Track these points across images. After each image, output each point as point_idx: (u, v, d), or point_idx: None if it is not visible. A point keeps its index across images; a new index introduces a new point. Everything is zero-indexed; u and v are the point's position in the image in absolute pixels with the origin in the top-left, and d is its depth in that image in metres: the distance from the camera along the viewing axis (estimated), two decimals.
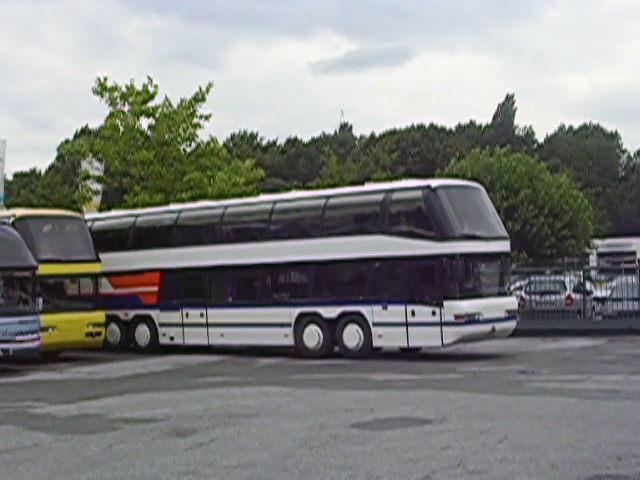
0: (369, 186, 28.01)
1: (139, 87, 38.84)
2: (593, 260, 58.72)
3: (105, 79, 38.76)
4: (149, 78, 38.94)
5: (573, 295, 33.09)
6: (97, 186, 42.12)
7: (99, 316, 27.07)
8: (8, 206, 40.92)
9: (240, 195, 34.42)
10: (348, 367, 22.50)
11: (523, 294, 33.70)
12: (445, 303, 22.76)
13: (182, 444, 12.25)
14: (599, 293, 33.80)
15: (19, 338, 23.20)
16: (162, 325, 28.18)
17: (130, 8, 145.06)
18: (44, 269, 24.84)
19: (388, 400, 16.13)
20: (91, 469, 10.88)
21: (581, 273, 35.26)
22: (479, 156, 51.98)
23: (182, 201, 34.18)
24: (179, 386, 19.36)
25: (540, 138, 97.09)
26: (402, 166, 74.68)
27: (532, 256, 47.35)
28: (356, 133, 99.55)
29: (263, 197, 29.46)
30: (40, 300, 24.84)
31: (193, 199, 34.38)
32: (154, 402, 16.82)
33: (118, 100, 38.77)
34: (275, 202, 27.27)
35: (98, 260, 27.40)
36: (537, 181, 49.06)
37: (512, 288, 37.98)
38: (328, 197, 26.35)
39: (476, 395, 16.29)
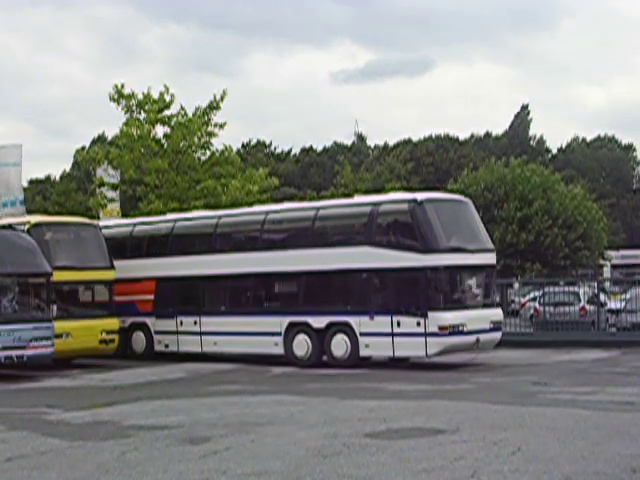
0: (358, 198, 28.57)
1: (156, 95, 38.99)
2: (607, 272, 58.58)
3: (122, 86, 38.95)
4: (165, 87, 39.15)
5: (587, 306, 33.01)
6: (112, 194, 42.28)
7: (113, 323, 27.12)
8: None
9: (253, 203, 34.53)
10: (361, 377, 22.52)
11: (537, 305, 33.64)
12: (429, 314, 23.05)
13: (196, 452, 12.28)
14: (613, 305, 33.69)
15: (33, 344, 23.26)
16: (157, 333, 28.60)
17: (150, 17, 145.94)
18: (58, 276, 24.91)
19: (401, 410, 16.13)
20: (105, 476, 10.92)
21: (595, 284, 35.15)
22: (493, 167, 51.95)
23: (196, 209, 34.31)
24: (193, 394, 19.39)
25: (555, 149, 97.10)
26: (417, 176, 74.76)
27: (546, 267, 47.28)
28: (371, 143, 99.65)
29: (255, 208, 29.92)
30: (54, 307, 24.97)
31: (207, 207, 34.54)
32: (168, 409, 16.86)
33: (134, 108, 38.91)
34: (267, 213, 27.69)
35: (112, 267, 27.47)
36: (551, 192, 48.98)
37: (526, 299, 38.08)
38: (318, 209, 26.73)
39: (489, 406, 16.27)
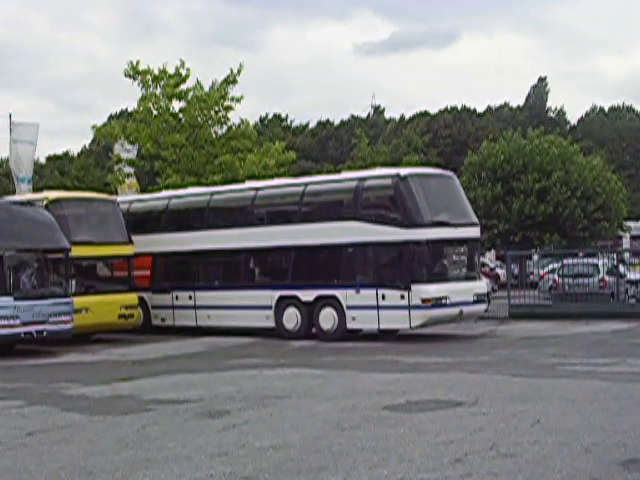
0: (344, 174, 29.31)
1: (172, 70, 38.96)
2: (626, 242, 58.37)
3: (137, 62, 38.93)
4: (181, 61, 39.13)
5: (606, 278, 32.91)
6: (129, 169, 42.35)
7: (132, 298, 27.20)
8: (41, 189, 41.14)
9: (271, 177, 34.57)
10: (380, 349, 22.58)
11: (556, 277, 33.57)
12: (413, 287, 23.55)
13: (215, 425, 12.32)
14: (632, 276, 33.58)
15: (53, 320, 23.34)
16: (154, 307, 29.25)
17: None
18: (77, 251, 24.96)
19: (420, 382, 16.14)
20: (125, 450, 10.96)
21: (614, 256, 35.03)
22: (512, 138, 51.72)
23: (214, 184, 34.40)
24: (212, 368, 19.46)
25: (574, 120, 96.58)
26: (434, 148, 74.49)
27: (565, 238, 47.13)
28: (389, 115, 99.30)
29: (246, 184, 30.20)
30: (73, 282, 25.08)
31: (224, 182, 34.64)
32: (187, 383, 16.91)
33: (150, 83, 38.88)
34: (257, 189, 28.13)
35: (131, 242, 27.55)
36: (570, 163, 48.76)
37: (545, 270, 38.02)
38: (306, 184, 27.24)
39: (508, 378, 16.26)
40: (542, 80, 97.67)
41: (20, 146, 41.10)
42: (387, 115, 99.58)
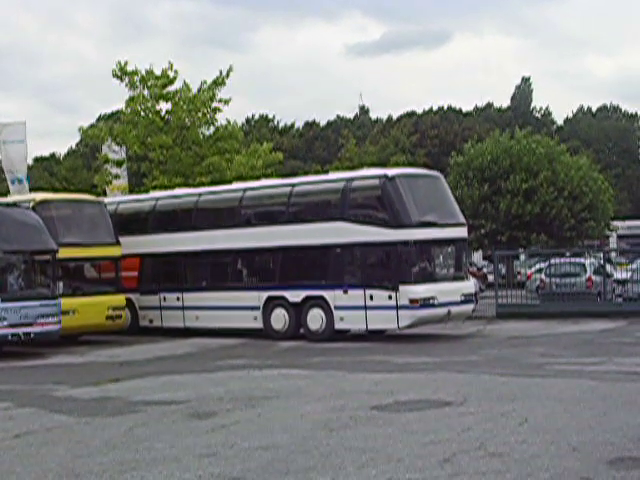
0: (332, 175, 29.43)
1: (160, 72, 38.87)
2: (613, 242, 58.52)
3: (125, 63, 38.85)
4: (169, 63, 39.07)
5: (593, 277, 33.01)
6: (116, 170, 42.25)
7: (119, 299, 27.18)
8: (30, 190, 41.02)
9: (258, 178, 34.56)
10: (368, 350, 22.59)
11: (543, 276, 33.64)
12: (401, 288, 23.63)
13: (203, 426, 12.31)
14: (619, 275, 33.67)
15: (40, 321, 23.30)
16: (142, 308, 29.19)
17: None
18: (64, 252, 24.92)
19: (408, 382, 16.16)
20: (112, 451, 10.95)
21: (601, 255, 35.10)
22: (499, 138, 51.74)
23: (202, 185, 34.37)
24: (200, 369, 19.44)
25: (561, 120, 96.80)
26: (421, 148, 74.55)
27: (552, 238, 47.19)
28: (376, 116, 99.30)
29: (234, 185, 30.31)
30: (60, 284, 25.01)
31: (212, 183, 34.61)
32: (175, 385, 16.89)
33: (138, 84, 38.80)
34: (245, 190, 28.17)
35: (118, 243, 27.51)
36: (557, 163, 48.76)
37: (532, 270, 38.13)
38: (293, 185, 27.24)
39: (496, 377, 16.29)
40: (526, 80, 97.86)
41: (11, 147, 40.98)
42: (375, 115, 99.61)
